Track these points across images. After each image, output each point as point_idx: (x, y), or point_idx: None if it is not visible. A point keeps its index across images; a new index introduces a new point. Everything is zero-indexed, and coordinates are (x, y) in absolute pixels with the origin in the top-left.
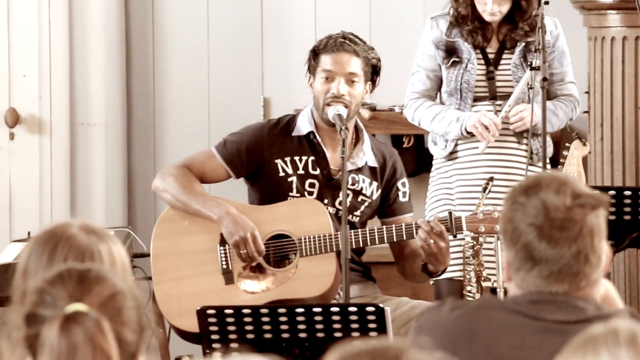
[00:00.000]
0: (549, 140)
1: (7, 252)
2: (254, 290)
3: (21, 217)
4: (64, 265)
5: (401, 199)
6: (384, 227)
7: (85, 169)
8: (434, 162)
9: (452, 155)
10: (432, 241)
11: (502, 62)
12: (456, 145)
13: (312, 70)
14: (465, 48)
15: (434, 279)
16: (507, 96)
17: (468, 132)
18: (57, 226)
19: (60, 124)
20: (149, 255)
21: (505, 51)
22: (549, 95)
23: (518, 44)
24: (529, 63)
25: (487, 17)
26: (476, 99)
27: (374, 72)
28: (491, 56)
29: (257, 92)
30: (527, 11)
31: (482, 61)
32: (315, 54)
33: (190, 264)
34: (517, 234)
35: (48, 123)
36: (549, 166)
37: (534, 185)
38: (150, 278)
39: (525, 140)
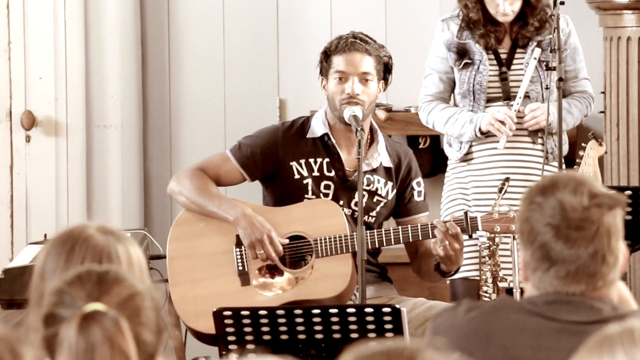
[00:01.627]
0: (564, 138)
1: (23, 254)
2: (270, 291)
3: (38, 220)
4: (83, 266)
5: (416, 198)
6: (400, 227)
7: (101, 171)
8: (449, 163)
9: (466, 157)
10: (447, 242)
11: (514, 61)
12: (471, 146)
13: (324, 72)
14: (477, 49)
15: (447, 278)
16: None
17: (482, 133)
18: (74, 228)
19: (76, 126)
20: (165, 257)
21: (518, 50)
22: (564, 92)
23: (530, 43)
24: (544, 63)
25: (500, 18)
26: (489, 100)
27: (386, 70)
28: (503, 56)
29: (273, 94)
30: (537, 7)
31: (495, 62)
32: (327, 55)
33: (207, 266)
34: (534, 234)
35: (64, 125)
36: (564, 166)
37: (550, 185)
38: (166, 280)
39: (540, 140)
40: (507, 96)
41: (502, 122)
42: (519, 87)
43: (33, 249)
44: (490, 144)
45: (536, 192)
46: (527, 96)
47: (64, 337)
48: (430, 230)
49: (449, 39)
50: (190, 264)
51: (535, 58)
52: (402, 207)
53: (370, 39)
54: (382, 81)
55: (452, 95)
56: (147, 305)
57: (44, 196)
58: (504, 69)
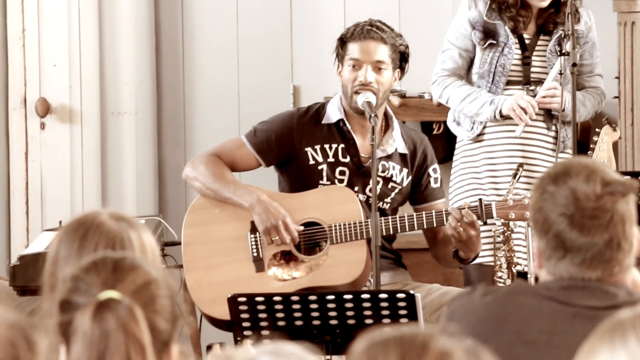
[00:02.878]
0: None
1: (38, 241)
2: (284, 277)
3: (52, 207)
4: (99, 253)
5: (433, 185)
6: (414, 214)
7: (115, 158)
8: (457, 143)
9: (479, 137)
10: (462, 229)
11: (537, 47)
12: (484, 127)
13: (340, 58)
14: (504, 32)
15: (466, 265)
16: (539, 81)
17: (502, 116)
18: (86, 214)
19: (91, 113)
20: (179, 243)
21: (542, 36)
22: (577, 86)
23: (555, 30)
24: (560, 50)
25: (537, 3)
26: (509, 83)
27: (402, 59)
28: (527, 41)
29: (286, 80)
30: None
31: (518, 46)
32: (342, 42)
33: (221, 252)
34: (548, 223)
35: (78, 112)
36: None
37: (562, 173)
38: (181, 266)
39: (554, 127)
40: (527, 81)
41: (524, 110)
42: (539, 72)
43: (48, 235)
44: (505, 127)
45: (548, 180)
46: (541, 81)
47: (79, 325)
48: (445, 217)
49: (476, 17)
50: (205, 250)
51: (560, 73)
52: (418, 194)
53: (387, 27)
54: (398, 70)
55: (467, 74)
56: (162, 293)
57: (59, 183)
58: (527, 53)
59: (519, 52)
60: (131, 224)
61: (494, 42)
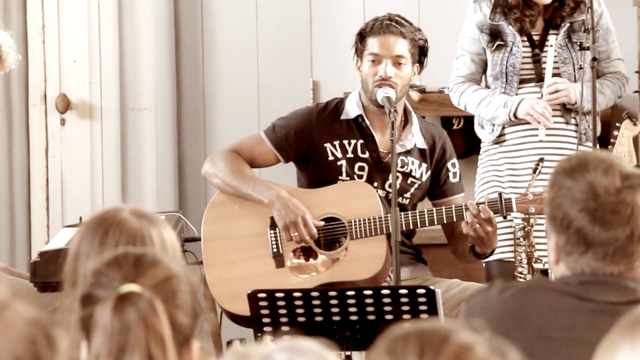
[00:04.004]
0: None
1: (59, 237)
2: (304, 273)
3: (73, 203)
4: (121, 248)
5: (452, 179)
6: (434, 209)
7: (135, 153)
8: (482, 145)
9: (499, 139)
10: (478, 225)
11: (547, 43)
12: (503, 128)
13: (359, 53)
14: (510, 31)
15: (482, 260)
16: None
17: (516, 118)
18: (108, 211)
19: (111, 109)
20: (199, 239)
21: (551, 31)
22: (597, 74)
23: (562, 24)
24: (577, 43)
25: (539, 0)
26: (522, 82)
27: (421, 53)
28: (536, 38)
29: (306, 76)
30: None
31: (527, 43)
32: (362, 37)
33: (241, 248)
34: (568, 219)
35: (98, 108)
36: (598, 146)
37: (579, 167)
38: (201, 262)
39: (573, 121)
40: (540, 78)
41: (542, 114)
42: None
43: (68, 232)
44: (523, 126)
45: (564, 175)
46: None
47: (99, 318)
48: (464, 212)
49: (481, 20)
50: (225, 246)
51: (551, 45)
52: (437, 188)
53: (406, 21)
54: (417, 64)
55: (484, 77)
56: (183, 288)
57: (79, 179)
58: (536, 50)
59: (529, 50)
60: (152, 220)
61: (502, 42)
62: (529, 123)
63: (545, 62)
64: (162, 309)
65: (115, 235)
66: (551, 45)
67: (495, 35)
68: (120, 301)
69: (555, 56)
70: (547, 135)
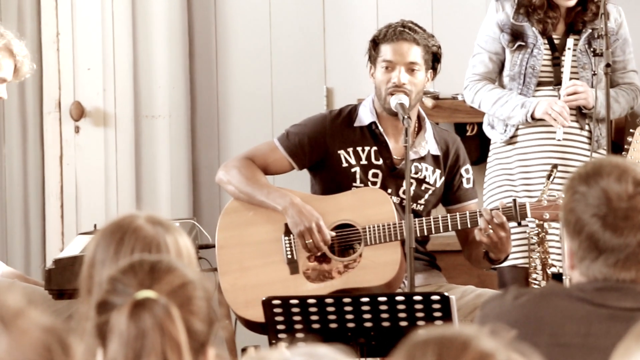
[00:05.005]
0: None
1: (73, 244)
2: (319, 279)
3: (87, 210)
4: (136, 255)
5: (465, 185)
6: (448, 215)
7: (150, 161)
8: (491, 146)
9: (512, 140)
10: (491, 231)
11: (566, 47)
12: (517, 129)
13: (372, 60)
14: (532, 33)
15: (496, 266)
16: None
17: (534, 119)
18: (123, 218)
19: (125, 117)
20: (214, 246)
21: (571, 35)
22: (611, 84)
23: (584, 30)
24: (592, 49)
25: (564, 3)
26: (540, 84)
27: (434, 59)
28: (557, 41)
29: (319, 83)
30: None
31: (548, 46)
32: (375, 44)
33: (255, 255)
34: (580, 224)
35: (112, 116)
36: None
37: (593, 173)
38: (215, 269)
39: (587, 127)
40: (558, 81)
41: (560, 114)
42: (569, 72)
43: (83, 239)
44: (538, 128)
45: (579, 180)
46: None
47: (115, 324)
48: (478, 218)
49: (503, 20)
50: (239, 253)
51: (569, 48)
52: (451, 194)
53: (420, 28)
54: (431, 70)
55: (499, 77)
56: (199, 294)
57: (94, 186)
58: (556, 54)
59: (549, 52)
60: (167, 228)
61: (523, 43)
62: (543, 125)
63: (564, 66)
64: (177, 315)
65: (130, 243)
66: (569, 48)
67: (516, 36)
68: (136, 307)
69: (574, 60)
70: (561, 140)
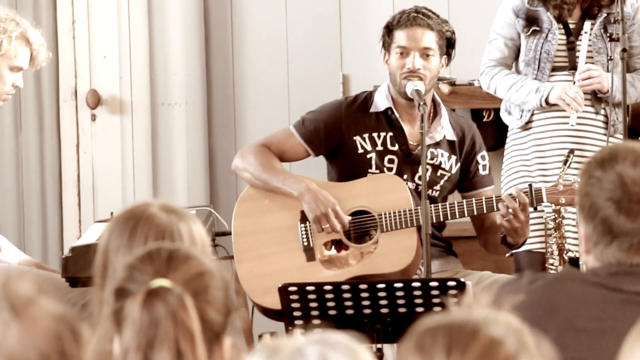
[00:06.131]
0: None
1: (90, 232)
2: (335, 266)
3: (104, 198)
4: (155, 243)
5: (481, 172)
6: (464, 201)
7: (166, 148)
8: (508, 132)
9: (527, 125)
10: (512, 216)
11: (582, 32)
12: (532, 114)
13: (386, 46)
14: (547, 18)
15: (513, 251)
16: None
17: (548, 104)
18: (137, 206)
19: (141, 105)
20: (230, 233)
21: (587, 20)
22: (628, 69)
23: (599, 14)
24: (609, 34)
25: None
26: (555, 69)
27: (449, 45)
28: (572, 26)
29: (336, 69)
30: None
31: (563, 31)
32: (389, 30)
33: (272, 242)
34: (595, 208)
35: (129, 104)
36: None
37: (609, 158)
38: (232, 257)
39: (602, 111)
40: (573, 66)
41: (574, 99)
42: (584, 57)
43: (99, 227)
44: (554, 113)
45: (595, 165)
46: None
47: (129, 312)
48: (495, 204)
49: (518, 5)
50: (256, 240)
51: (586, 32)
52: (467, 181)
53: (433, 13)
54: (445, 56)
55: (515, 63)
56: (215, 284)
57: (110, 174)
58: (571, 38)
59: (564, 37)
60: (181, 216)
61: (538, 28)
62: (559, 110)
63: (579, 50)
64: (191, 304)
65: (144, 230)
66: (586, 32)
67: (531, 21)
68: (149, 296)
69: (589, 45)
70: (576, 124)
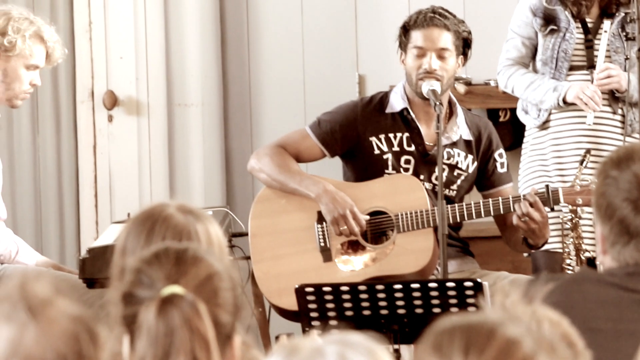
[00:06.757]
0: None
1: (107, 233)
2: (352, 267)
3: (121, 199)
4: (160, 244)
5: (499, 170)
6: (481, 201)
7: (183, 149)
8: (526, 131)
9: (545, 125)
10: (527, 218)
11: (600, 30)
12: (550, 114)
13: (403, 46)
14: (564, 17)
15: (535, 251)
16: None
17: (565, 103)
18: (154, 207)
19: (158, 105)
20: (247, 234)
21: (605, 19)
22: None
23: (617, 13)
24: (625, 33)
25: None
26: (572, 68)
27: (465, 45)
28: (590, 25)
29: (352, 69)
30: None
31: (581, 30)
32: (405, 30)
33: (288, 243)
34: (611, 209)
35: (145, 104)
36: None
37: (625, 158)
38: (249, 257)
39: (620, 111)
40: (591, 64)
41: (591, 98)
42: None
43: (116, 228)
44: (571, 112)
45: (611, 165)
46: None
47: (143, 321)
48: (511, 203)
49: (536, 4)
50: (272, 241)
51: (605, 31)
52: (485, 179)
53: (450, 13)
54: (461, 56)
55: (532, 62)
56: (224, 285)
57: (127, 175)
58: (589, 36)
59: (582, 36)
60: (198, 216)
61: (555, 27)
62: (576, 110)
63: (597, 49)
64: (205, 310)
65: (161, 232)
66: (605, 31)
67: (548, 20)
68: (164, 305)
69: (607, 44)
70: (594, 124)
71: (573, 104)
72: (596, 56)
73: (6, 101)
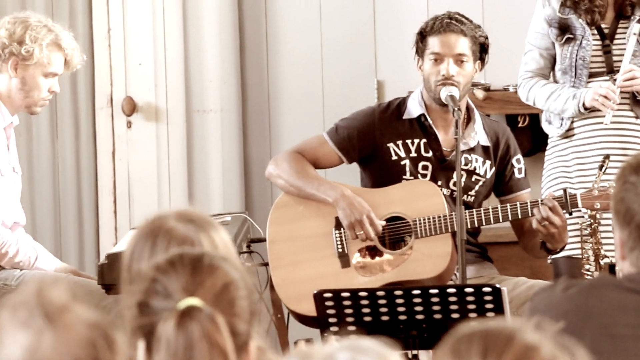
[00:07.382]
0: None
1: (126, 239)
2: (370, 272)
3: (140, 205)
4: (175, 250)
5: (517, 175)
6: (499, 206)
7: (201, 155)
8: (549, 141)
9: (568, 133)
10: (547, 222)
11: (617, 33)
12: (572, 122)
13: (420, 52)
14: (579, 24)
15: (552, 257)
16: None
17: (586, 108)
18: (154, 220)
19: (176, 112)
20: (265, 240)
21: (621, 21)
22: None
23: (632, 15)
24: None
25: None
26: (592, 75)
27: (482, 50)
28: (606, 30)
29: (370, 75)
30: None
31: (597, 35)
32: (422, 36)
33: (307, 249)
34: (630, 214)
35: (164, 111)
36: None
37: None
38: (267, 264)
39: None
40: (611, 69)
41: (606, 97)
42: (622, 60)
43: None
44: (593, 119)
45: (629, 170)
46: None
47: (162, 334)
48: (529, 209)
49: (550, 15)
50: (291, 247)
51: (635, 34)
52: (503, 185)
53: (466, 19)
54: (479, 61)
55: (552, 72)
56: (241, 294)
57: (146, 181)
58: (607, 41)
59: (599, 41)
60: (200, 225)
61: (571, 36)
62: (597, 116)
63: (616, 54)
64: (223, 322)
65: (164, 246)
66: (635, 34)
67: (564, 29)
68: (182, 318)
69: (626, 47)
70: (614, 129)
71: (595, 110)
72: (615, 60)
73: (25, 108)
